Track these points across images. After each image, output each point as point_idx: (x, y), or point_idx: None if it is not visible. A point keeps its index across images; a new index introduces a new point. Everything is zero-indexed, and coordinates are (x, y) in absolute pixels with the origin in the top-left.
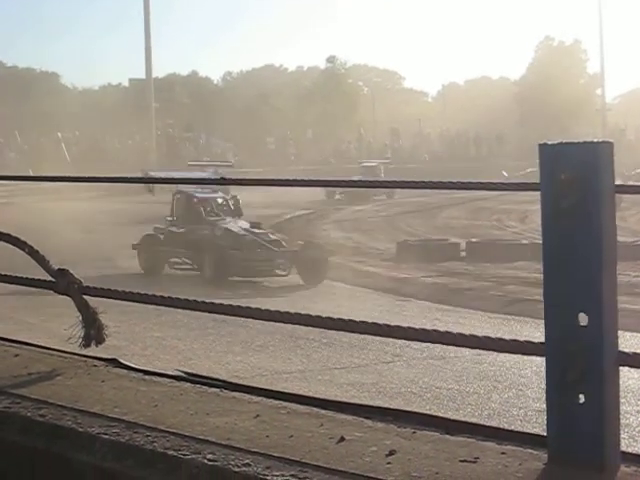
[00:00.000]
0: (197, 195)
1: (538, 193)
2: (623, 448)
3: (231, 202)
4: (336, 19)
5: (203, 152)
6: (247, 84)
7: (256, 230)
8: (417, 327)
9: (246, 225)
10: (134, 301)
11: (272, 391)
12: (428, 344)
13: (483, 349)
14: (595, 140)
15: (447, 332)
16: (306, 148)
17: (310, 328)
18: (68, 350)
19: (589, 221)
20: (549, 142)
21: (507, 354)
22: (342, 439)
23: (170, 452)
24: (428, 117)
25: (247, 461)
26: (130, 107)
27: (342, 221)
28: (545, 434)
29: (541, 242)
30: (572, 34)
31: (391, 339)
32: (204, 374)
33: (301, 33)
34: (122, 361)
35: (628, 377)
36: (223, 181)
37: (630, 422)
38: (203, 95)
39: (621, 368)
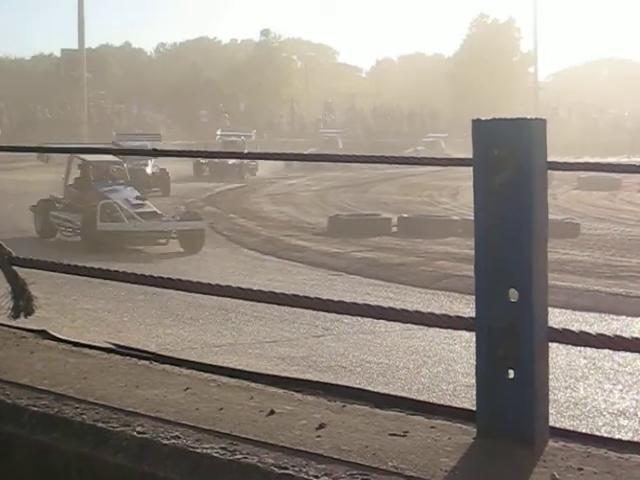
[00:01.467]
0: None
1: (470, 169)
2: (551, 423)
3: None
4: None
5: (135, 124)
6: (180, 56)
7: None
8: (348, 301)
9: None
10: (63, 272)
11: (202, 364)
12: (359, 318)
13: (413, 324)
14: (528, 117)
15: (378, 306)
16: (239, 121)
17: (241, 301)
18: None
19: (521, 197)
20: (482, 118)
21: (437, 329)
22: (272, 412)
23: (99, 424)
24: (362, 92)
25: (177, 433)
26: (62, 78)
27: (274, 195)
28: (474, 409)
29: (472, 218)
30: (506, 12)
31: (322, 313)
32: (134, 346)
33: (235, 5)
34: (51, 333)
35: (557, 353)
36: (154, 152)
37: (558, 398)
38: (136, 66)
39: (550, 344)
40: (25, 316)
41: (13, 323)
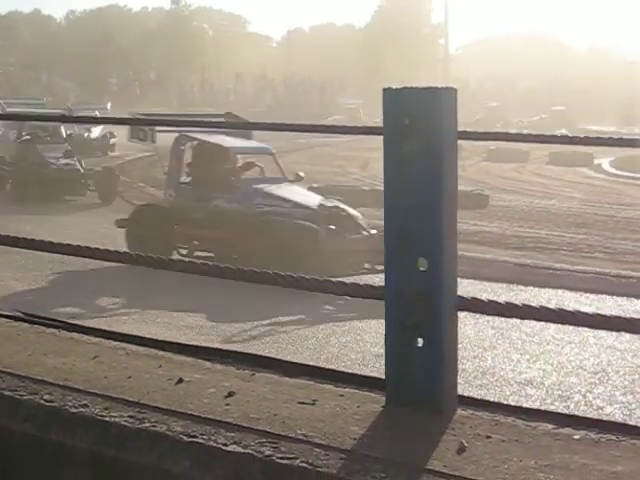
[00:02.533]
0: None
1: (380, 140)
2: (460, 392)
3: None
4: None
5: (44, 91)
6: (91, 24)
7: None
8: (257, 270)
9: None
10: None
11: (111, 332)
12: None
13: (323, 292)
14: (439, 86)
15: (289, 275)
16: (150, 90)
17: (157, 272)
18: None
19: (431, 166)
20: (393, 87)
21: (347, 298)
22: (181, 380)
23: (6, 392)
24: (273, 62)
25: (85, 402)
26: None
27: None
28: (384, 377)
29: (382, 189)
30: None
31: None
32: (42, 314)
33: None
34: None
35: (465, 323)
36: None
37: (467, 367)
38: (45, 34)
39: (459, 314)
40: None
41: None
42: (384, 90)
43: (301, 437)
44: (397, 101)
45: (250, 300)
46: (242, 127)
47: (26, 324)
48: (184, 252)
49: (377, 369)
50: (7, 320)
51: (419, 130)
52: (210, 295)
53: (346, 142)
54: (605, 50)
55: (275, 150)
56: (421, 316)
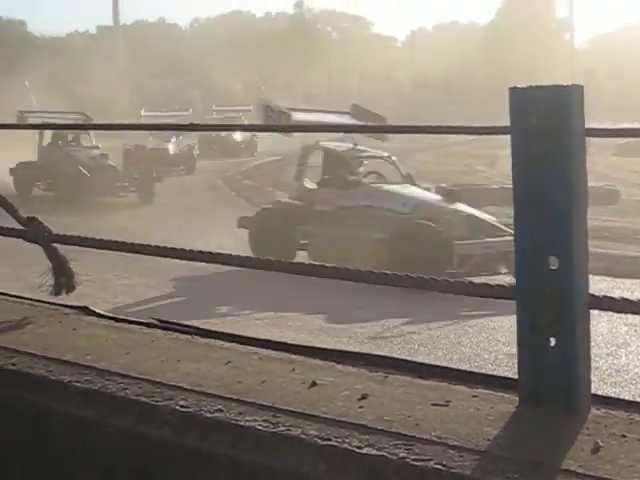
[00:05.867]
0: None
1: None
2: (593, 391)
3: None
4: None
5: (171, 100)
6: (215, 31)
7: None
8: (387, 272)
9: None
10: (104, 248)
11: (244, 337)
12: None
13: (455, 293)
14: (565, 84)
15: (419, 277)
16: (276, 94)
17: (279, 273)
18: (39, 299)
19: (560, 164)
20: (519, 86)
21: (478, 298)
22: (314, 384)
23: (142, 399)
24: (397, 63)
25: (219, 407)
26: (98, 54)
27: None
28: (516, 377)
29: (511, 187)
30: None
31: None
32: (175, 321)
33: None
34: (93, 309)
35: (598, 320)
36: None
37: (600, 365)
38: (171, 42)
39: (591, 311)
40: (67, 293)
41: (55, 300)
42: (510, 89)
43: (435, 439)
44: (524, 100)
45: (379, 301)
46: (351, 130)
47: (160, 331)
48: (307, 253)
49: (510, 369)
50: (141, 327)
51: (547, 129)
52: (339, 297)
53: (472, 140)
54: None
55: (402, 150)
56: (553, 315)
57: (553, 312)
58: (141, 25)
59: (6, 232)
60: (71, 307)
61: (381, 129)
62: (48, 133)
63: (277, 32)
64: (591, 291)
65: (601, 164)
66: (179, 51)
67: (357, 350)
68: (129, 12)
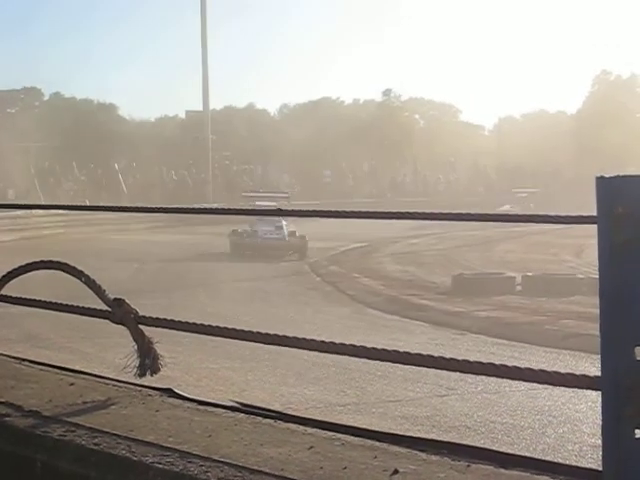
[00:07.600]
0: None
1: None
2: None
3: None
4: (392, 52)
5: (259, 184)
6: (303, 116)
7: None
8: (472, 360)
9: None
10: (190, 331)
11: (326, 422)
12: (483, 378)
13: (538, 383)
14: None
15: (502, 365)
16: (362, 181)
17: (364, 361)
18: (123, 379)
19: None
20: (605, 175)
21: (562, 388)
22: (396, 471)
23: None
24: (484, 150)
25: None
26: (187, 139)
27: (397, 254)
28: (601, 469)
29: (597, 276)
30: (629, 68)
31: (445, 372)
32: (258, 405)
33: (358, 65)
34: (177, 391)
35: None
36: (279, 212)
37: None
38: (260, 127)
39: None
40: (151, 374)
41: (139, 381)
42: (597, 179)
43: None
44: (609, 189)
45: (461, 388)
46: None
47: (242, 414)
48: None
49: (595, 460)
50: (224, 410)
51: (633, 219)
52: (424, 385)
53: (559, 229)
54: None
55: (487, 238)
56: (638, 407)
57: (639, 403)
58: (230, 110)
59: (93, 313)
60: (155, 389)
61: (469, 217)
62: None
63: (365, 119)
64: None
65: None
66: (268, 136)
67: (440, 438)
68: (220, 98)
